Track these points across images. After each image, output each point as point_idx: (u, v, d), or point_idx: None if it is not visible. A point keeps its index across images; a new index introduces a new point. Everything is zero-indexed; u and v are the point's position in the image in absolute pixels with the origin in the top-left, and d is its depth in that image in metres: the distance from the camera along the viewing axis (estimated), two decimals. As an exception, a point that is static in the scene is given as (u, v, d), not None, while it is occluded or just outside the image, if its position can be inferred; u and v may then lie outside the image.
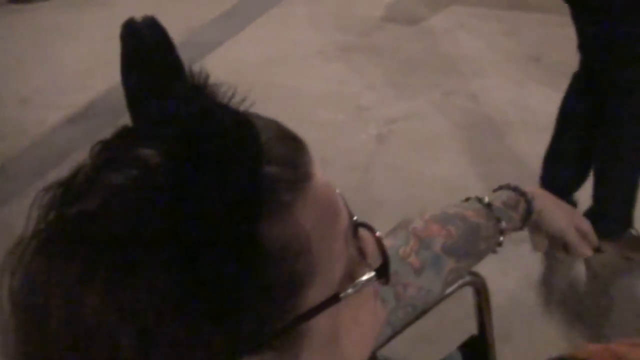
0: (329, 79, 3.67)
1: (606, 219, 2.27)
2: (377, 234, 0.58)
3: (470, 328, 1.26)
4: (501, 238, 1.03)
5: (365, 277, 0.53)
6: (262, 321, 0.46)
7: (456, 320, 1.33)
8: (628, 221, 2.31)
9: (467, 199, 1.06)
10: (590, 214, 2.28)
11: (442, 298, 1.06)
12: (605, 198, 2.28)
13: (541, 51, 3.68)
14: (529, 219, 1.07)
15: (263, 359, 0.47)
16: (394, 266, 0.92)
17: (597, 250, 2.19)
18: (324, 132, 3.03)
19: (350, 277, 0.53)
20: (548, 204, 1.09)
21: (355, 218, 0.57)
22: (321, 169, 0.53)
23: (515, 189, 1.07)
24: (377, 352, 0.96)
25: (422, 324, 1.03)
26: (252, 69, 3.70)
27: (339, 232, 0.52)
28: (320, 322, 0.50)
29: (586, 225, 1.12)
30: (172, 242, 0.43)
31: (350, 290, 0.52)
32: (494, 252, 1.05)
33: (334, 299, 0.50)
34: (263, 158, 0.46)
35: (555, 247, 1.13)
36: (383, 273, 0.55)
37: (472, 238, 0.99)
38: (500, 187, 1.09)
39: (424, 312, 1.04)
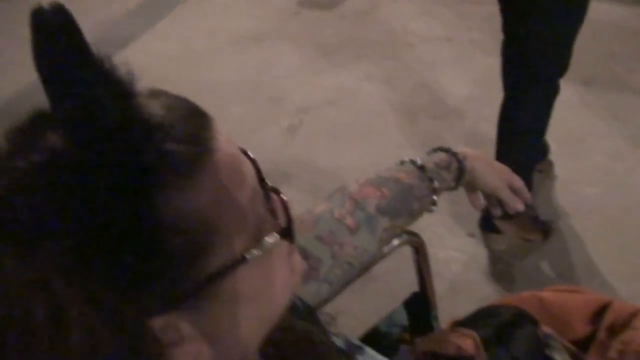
0: (243, 70, 3.59)
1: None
2: (282, 196, 0.61)
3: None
4: (435, 197, 1.07)
5: (269, 239, 0.56)
6: (165, 287, 0.49)
7: (404, 279, 1.35)
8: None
9: (402, 162, 1.09)
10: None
11: (382, 257, 1.09)
12: None
13: (453, 31, 3.75)
14: (461, 178, 1.11)
15: (171, 320, 0.50)
16: (330, 227, 0.96)
17: (497, 231, 2.29)
18: (237, 127, 2.93)
19: (260, 238, 0.56)
20: (479, 164, 1.13)
21: (268, 183, 0.60)
22: (229, 142, 0.56)
23: (447, 150, 1.11)
24: (317, 310, 0.99)
25: (369, 283, 1.06)
26: (166, 62, 3.59)
27: (242, 200, 0.54)
28: (230, 281, 0.53)
29: (518, 182, 1.17)
30: (71, 224, 0.46)
31: (256, 252, 0.55)
32: (430, 211, 1.09)
33: (240, 261, 0.53)
34: (158, 139, 0.49)
35: (491, 204, 1.18)
36: (287, 234, 0.58)
37: (405, 198, 1.03)
38: (434, 150, 1.13)
39: (364, 270, 1.07)
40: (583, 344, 1.08)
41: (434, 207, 1.09)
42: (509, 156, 2.22)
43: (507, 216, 2.24)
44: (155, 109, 0.51)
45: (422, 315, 1.27)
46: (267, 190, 0.60)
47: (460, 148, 1.12)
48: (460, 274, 2.32)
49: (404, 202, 1.03)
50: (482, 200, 1.19)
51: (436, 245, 2.35)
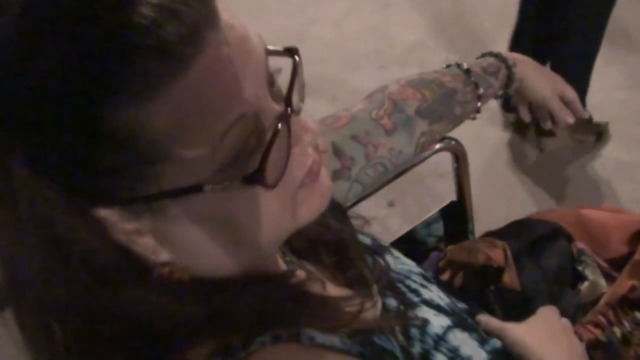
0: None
1: None
2: (279, 126, 0.52)
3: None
4: (479, 104, 1.04)
5: (229, 183, 0.50)
6: (107, 186, 0.47)
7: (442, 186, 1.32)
8: (581, 102, 2.33)
9: (448, 66, 1.06)
10: None
11: (419, 161, 1.08)
12: None
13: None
14: (510, 85, 1.07)
15: (128, 214, 0.49)
16: (366, 127, 0.95)
17: (551, 134, 2.28)
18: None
19: (224, 176, 0.50)
20: (530, 72, 1.08)
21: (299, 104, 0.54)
22: (228, 59, 0.48)
23: (497, 56, 1.07)
24: (347, 211, 0.99)
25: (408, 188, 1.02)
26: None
27: (213, 129, 0.48)
28: (186, 203, 0.50)
29: (571, 93, 1.12)
30: (17, 115, 0.44)
31: (215, 187, 0.49)
32: (473, 118, 1.07)
33: (195, 189, 0.49)
34: (124, 44, 0.43)
35: (541, 115, 1.14)
36: (255, 180, 0.50)
37: (447, 102, 1.00)
38: (483, 54, 1.09)
39: (400, 173, 1.06)
40: (618, 264, 1.06)
41: (477, 115, 1.06)
42: (562, 59, 2.19)
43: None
44: (145, 6, 0.44)
45: (458, 226, 1.26)
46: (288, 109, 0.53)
47: (510, 54, 1.08)
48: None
49: (446, 106, 1.00)
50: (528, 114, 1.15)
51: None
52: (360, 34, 3.11)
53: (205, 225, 0.52)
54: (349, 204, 0.99)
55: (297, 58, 0.56)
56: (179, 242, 0.53)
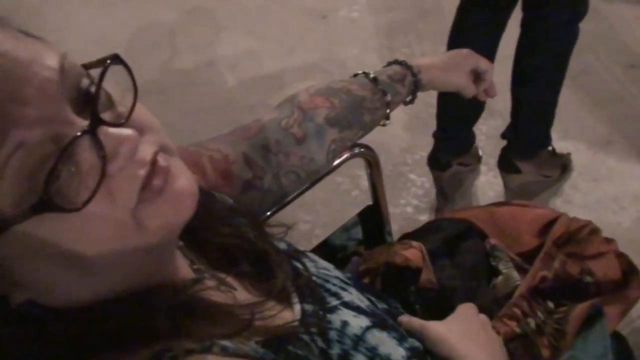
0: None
1: (525, 139, 2.19)
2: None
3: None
4: (388, 111, 1.06)
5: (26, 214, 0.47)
6: None
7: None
8: (546, 139, 2.21)
9: (355, 75, 1.08)
10: (508, 135, 2.21)
11: (333, 169, 1.09)
12: (523, 118, 2.12)
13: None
14: (416, 91, 1.10)
15: None
16: (276, 136, 0.95)
17: (517, 171, 2.22)
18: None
19: (18, 209, 0.47)
20: (436, 74, 1.12)
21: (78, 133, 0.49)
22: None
23: (402, 63, 1.09)
24: (267, 219, 0.99)
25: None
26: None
27: None
28: (12, 239, 0.48)
29: (483, 64, 1.16)
30: None
31: (20, 217, 0.47)
32: (383, 125, 1.09)
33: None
34: None
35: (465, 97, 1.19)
36: (43, 207, 0.47)
37: (356, 110, 1.02)
38: (389, 63, 1.11)
39: (316, 180, 1.06)
40: (530, 256, 1.10)
41: (387, 122, 1.08)
42: (526, 97, 2.09)
43: (525, 156, 2.16)
44: None
45: (376, 230, 1.28)
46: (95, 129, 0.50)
47: (415, 60, 1.11)
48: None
49: (355, 113, 1.02)
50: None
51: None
52: (254, 80, 2.85)
53: (39, 260, 0.51)
54: (267, 213, 0.99)
55: (107, 64, 0.52)
56: (26, 281, 0.52)
